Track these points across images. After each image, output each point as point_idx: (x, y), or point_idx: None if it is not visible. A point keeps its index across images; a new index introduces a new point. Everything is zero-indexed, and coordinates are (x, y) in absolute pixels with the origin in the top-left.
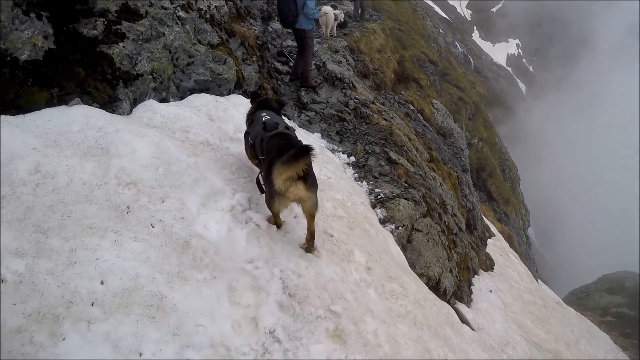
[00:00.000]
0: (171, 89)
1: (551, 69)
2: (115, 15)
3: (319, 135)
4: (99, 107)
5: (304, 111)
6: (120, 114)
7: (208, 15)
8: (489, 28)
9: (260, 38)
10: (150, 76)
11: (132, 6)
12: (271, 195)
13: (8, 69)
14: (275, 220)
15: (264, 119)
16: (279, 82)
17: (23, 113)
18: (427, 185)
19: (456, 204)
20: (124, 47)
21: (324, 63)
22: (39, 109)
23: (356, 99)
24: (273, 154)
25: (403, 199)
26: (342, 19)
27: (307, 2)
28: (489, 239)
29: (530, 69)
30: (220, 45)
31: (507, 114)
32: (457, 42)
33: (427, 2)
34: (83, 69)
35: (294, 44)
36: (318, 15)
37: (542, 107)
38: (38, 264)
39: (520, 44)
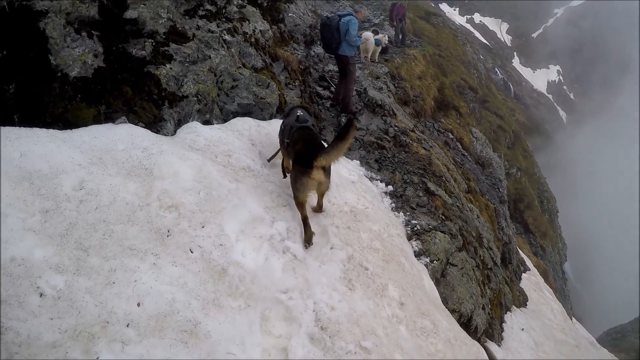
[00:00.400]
0: (215, 111)
1: (592, 95)
2: (164, 37)
3: (358, 162)
4: (144, 127)
5: None
6: (165, 135)
7: (253, 39)
8: (529, 54)
9: (303, 62)
10: (195, 98)
11: (180, 28)
12: (299, 179)
13: (58, 84)
14: (302, 212)
15: (298, 113)
16: (320, 106)
17: (70, 128)
18: (464, 217)
19: (492, 237)
20: (170, 68)
21: (365, 89)
22: (85, 125)
23: (396, 126)
24: (300, 146)
25: (439, 232)
26: (385, 44)
27: (350, 30)
28: (523, 274)
29: (571, 96)
30: (264, 69)
31: (547, 142)
32: (497, 68)
33: (468, 27)
34: (130, 88)
35: (336, 68)
36: (360, 42)
37: (582, 135)
38: (77, 281)
39: (561, 70)
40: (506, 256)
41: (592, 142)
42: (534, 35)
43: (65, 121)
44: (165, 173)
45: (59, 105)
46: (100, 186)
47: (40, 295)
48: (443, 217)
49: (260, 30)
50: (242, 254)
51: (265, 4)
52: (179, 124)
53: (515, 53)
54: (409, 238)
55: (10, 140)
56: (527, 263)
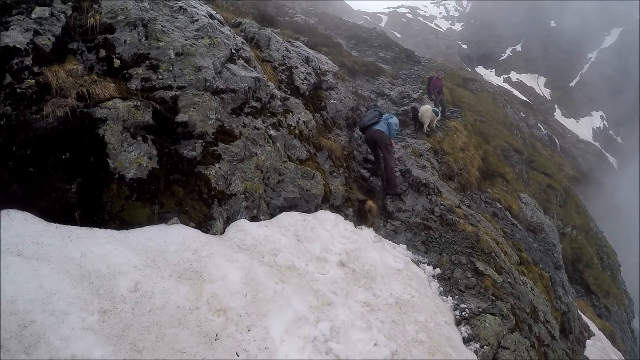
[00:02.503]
0: (262, 207)
1: (638, 133)
2: (213, 137)
3: (405, 246)
4: (195, 226)
5: (389, 220)
6: (214, 234)
7: (297, 131)
8: (569, 104)
9: (346, 148)
10: (243, 195)
11: (227, 127)
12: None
13: (115, 185)
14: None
15: None
16: (365, 190)
17: (126, 226)
18: (516, 293)
19: (549, 309)
20: (219, 168)
21: (408, 170)
22: (140, 224)
23: (442, 204)
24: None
25: (489, 315)
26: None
27: (394, 120)
28: (588, 340)
29: (618, 139)
30: (309, 159)
31: (598, 190)
32: (540, 123)
33: (506, 86)
34: (182, 188)
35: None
36: (394, 134)
37: (630, 175)
38: None
39: (604, 115)
40: (566, 326)
41: None
42: (572, 84)
43: (122, 220)
44: (215, 276)
45: (116, 205)
46: (154, 289)
47: None
48: (493, 298)
49: (304, 121)
50: (285, 355)
51: (308, 94)
52: (228, 221)
53: (555, 105)
54: (458, 323)
55: (72, 240)
56: (591, 328)
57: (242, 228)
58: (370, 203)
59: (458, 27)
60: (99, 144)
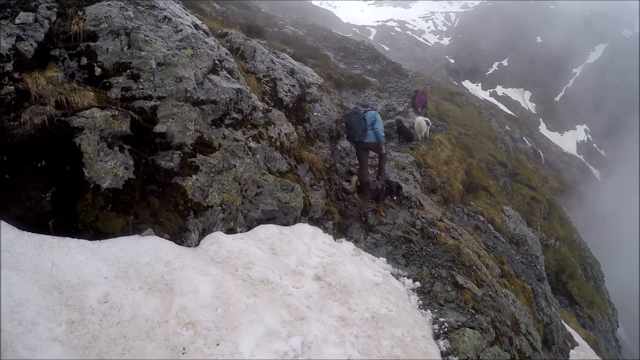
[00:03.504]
0: (239, 219)
1: (621, 145)
2: (191, 148)
3: (384, 259)
4: (169, 238)
5: (370, 233)
6: (188, 246)
7: (278, 143)
8: (554, 118)
9: (328, 161)
10: (220, 207)
11: (206, 139)
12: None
13: (90, 194)
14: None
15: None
16: (346, 203)
17: (100, 237)
18: (497, 306)
19: (531, 320)
20: (197, 179)
21: None
22: (114, 234)
23: (423, 218)
24: None
25: (468, 328)
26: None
27: (378, 120)
28: (571, 350)
29: (602, 152)
30: (289, 172)
31: (582, 201)
32: (525, 137)
33: (492, 100)
34: (158, 199)
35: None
36: (384, 142)
37: (613, 185)
38: None
39: (588, 129)
40: (548, 337)
41: (624, 190)
42: (557, 98)
43: (96, 229)
44: (185, 289)
45: (90, 214)
46: (123, 301)
47: None
48: (473, 311)
49: (286, 134)
50: None
51: (291, 106)
52: (204, 233)
53: (540, 119)
54: (436, 337)
55: (44, 250)
56: (574, 338)
57: (217, 240)
58: (356, 179)
59: (446, 41)
60: (75, 153)
